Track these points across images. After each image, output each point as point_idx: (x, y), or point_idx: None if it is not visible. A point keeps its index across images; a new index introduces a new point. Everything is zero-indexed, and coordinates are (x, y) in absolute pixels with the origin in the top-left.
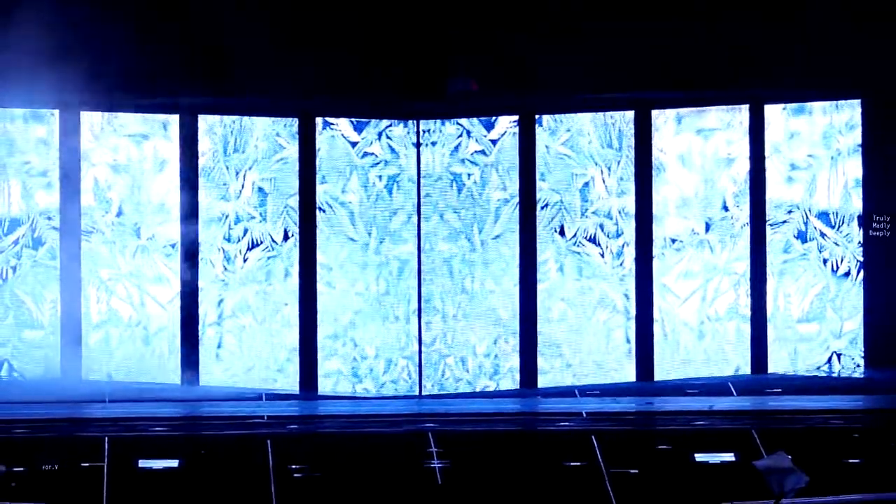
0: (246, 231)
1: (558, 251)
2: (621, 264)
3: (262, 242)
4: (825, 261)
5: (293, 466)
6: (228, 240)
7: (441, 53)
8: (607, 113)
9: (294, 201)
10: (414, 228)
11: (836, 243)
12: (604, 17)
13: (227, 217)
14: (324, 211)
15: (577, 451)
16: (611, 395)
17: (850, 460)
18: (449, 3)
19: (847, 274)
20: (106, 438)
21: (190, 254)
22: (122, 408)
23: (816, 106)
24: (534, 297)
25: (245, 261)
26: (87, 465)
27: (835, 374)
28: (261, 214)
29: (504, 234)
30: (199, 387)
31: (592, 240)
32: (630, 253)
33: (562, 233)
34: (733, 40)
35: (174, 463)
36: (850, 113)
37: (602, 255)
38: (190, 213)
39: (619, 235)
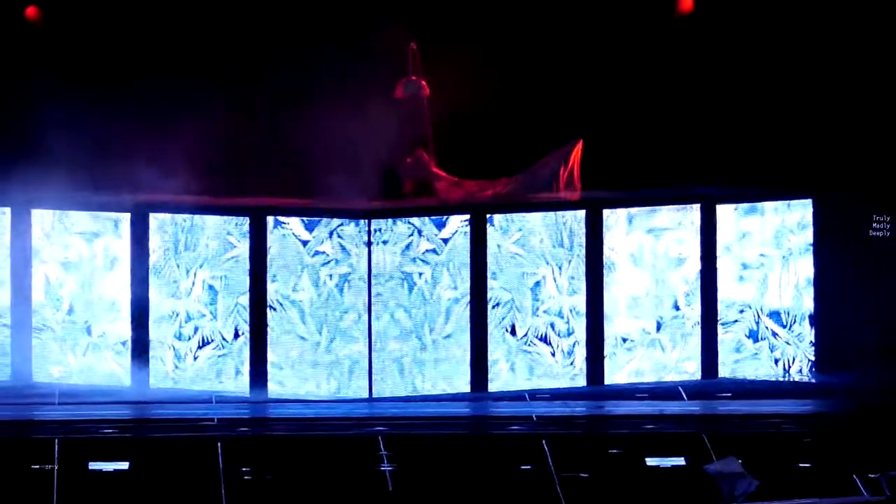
0: (196, 329)
1: (509, 350)
2: (572, 363)
3: (212, 340)
4: (777, 360)
5: (243, 469)
6: (179, 338)
7: (392, 156)
8: (559, 212)
9: (245, 299)
10: (365, 327)
11: (787, 342)
12: (555, 119)
13: (177, 315)
14: (274, 309)
15: (527, 454)
16: (561, 399)
17: (801, 465)
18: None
19: (799, 374)
20: (56, 440)
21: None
22: (73, 410)
23: (768, 206)
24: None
25: (195, 359)
26: (37, 467)
27: (785, 379)
28: (211, 313)
29: (455, 333)
30: (150, 389)
31: (543, 339)
32: (581, 352)
33: (513, 332)
34: (685, 140)
35: (124, 465)
36: (801, 212)
37: (553, 355)
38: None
39: (570, 334)
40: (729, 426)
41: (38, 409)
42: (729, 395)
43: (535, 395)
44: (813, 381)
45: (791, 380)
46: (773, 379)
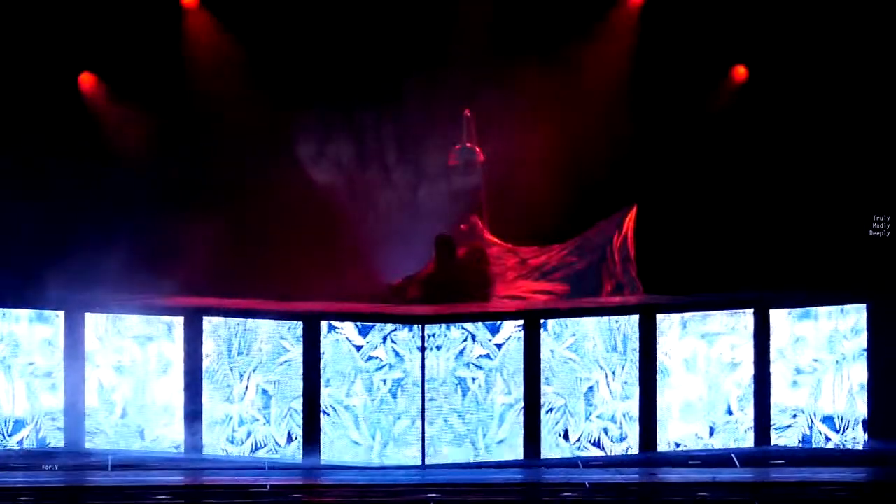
0: (249, 434)
1: (563, 455)
2: None
3: (265, 445)
4: None
5: None
6: (232, 442)
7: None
8: (612, 317)
9: (298, 404)
10: (418, 432)
11: (841, 447)
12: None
13: (230, 419)
14: (328, 414)
15: None
16: (614, 466)
17: None
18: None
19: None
20: None
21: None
22: (125, 476)
23: (822, 311)
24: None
25: None
26: None
27: (840, 447)
28: (265, 417)
29: (508, 438)
30: (203, 456)
31: (597, 444)
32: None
33: (566, 437)
34: (738, 244)
35: None
36: (855, 317)
37: None
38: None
39: (623, 439)
40: (782, 493)
41: (91, 475)
42: (782, 461)
43: (587, 462)
44: (866, 448)
45: (844, 447)
46: (826, 447)
